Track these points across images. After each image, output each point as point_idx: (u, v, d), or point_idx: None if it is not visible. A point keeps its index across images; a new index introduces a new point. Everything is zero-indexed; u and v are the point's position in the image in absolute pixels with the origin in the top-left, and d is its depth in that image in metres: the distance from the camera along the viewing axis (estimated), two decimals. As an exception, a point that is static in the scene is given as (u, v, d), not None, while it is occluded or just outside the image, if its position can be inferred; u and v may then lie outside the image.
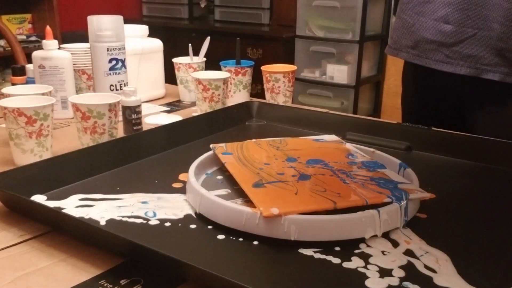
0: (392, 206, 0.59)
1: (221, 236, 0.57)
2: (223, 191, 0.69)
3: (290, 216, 0.55)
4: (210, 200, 0.60)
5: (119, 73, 1.00)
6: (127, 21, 1.05)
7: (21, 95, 0.86)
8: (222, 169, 0.74)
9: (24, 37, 2.73)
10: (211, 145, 0.78)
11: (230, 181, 0.70)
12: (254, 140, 0.82)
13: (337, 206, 0.58)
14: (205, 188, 0.63)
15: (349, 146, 0.80)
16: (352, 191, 0.62)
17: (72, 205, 0.64)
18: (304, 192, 0.61)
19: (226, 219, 0.59)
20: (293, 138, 0.83)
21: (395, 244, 0.56)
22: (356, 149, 0.79)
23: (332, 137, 0.85)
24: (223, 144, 0.78)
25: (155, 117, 1.07)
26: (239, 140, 0.80)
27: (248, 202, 0.61)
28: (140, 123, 0.92)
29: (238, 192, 0.66)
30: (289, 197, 0.60)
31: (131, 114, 0.90)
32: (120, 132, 0.89)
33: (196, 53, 1.23)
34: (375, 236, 0.57)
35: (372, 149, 0.79)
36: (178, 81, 1.24)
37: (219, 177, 0.74)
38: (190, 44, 1.23)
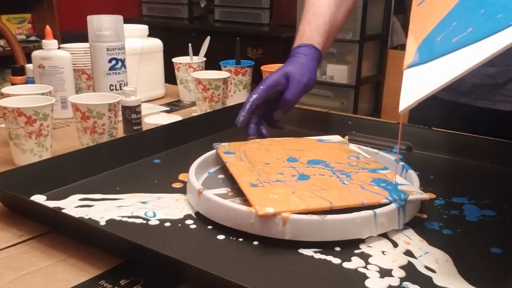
0: (389, 207, 0.58)
1: (221, 236, 0.57)
2: (223, 190, 0.69)
3: (285, 215, 0.55)
4: (207, 198, 0.60)
5: (119, 73, 1.00)
6: (127, 21, 1.05)
7: (21, 95, 0.86)
8: (224, 169, 0.74)
9: (23, 37, 2.73)
10: (214, 144, 0.79)
11: (231, 180, 0.70)
12: (257, 139, 0.82)
13: (333, 206, 0.58)
14: (206, 186, 0.64)
15: (352, 147, 0.79)
16: (350, 191, 0.61)
17: (72, 205, 0.64)
18: (301, 192, 0.61)
19: (222, 218, 0.59)
20: (295, 138, 0.82)
21: (395, 244, 0.56)
22: (360, 150, 0.78)
23: (337, 138, 0.84)
24: (226, 144, 0.78)
25: (155, 117, 1.07)
26: (239, 140, 0.80)
27: (246, 201, 0.61)
28: (140, 123, 0.92)
29: (238, 191, 0.66)
30: (286, 196, 0.60)
31: (131, 114, 0.90)
32: (120, 132, 0.89)
33: (196, 53, 1.23)
34: (375, 236, 0.57)
35: (376, 150, 0.78)
36: (178, 81, 1.24)
37: (221, 176, 0.74)
38: (190, 44, 1.23)
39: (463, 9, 0.52)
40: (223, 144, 0.78)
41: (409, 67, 0.53)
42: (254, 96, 0.84)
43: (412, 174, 0.69)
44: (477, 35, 0.46)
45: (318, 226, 0.55)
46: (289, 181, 0.64)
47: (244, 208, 0.57)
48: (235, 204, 0.59)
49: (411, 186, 0.65)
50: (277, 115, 0.91)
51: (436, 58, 0.50)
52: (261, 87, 0.84)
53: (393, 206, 0.58)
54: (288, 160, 0.72)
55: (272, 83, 0.84)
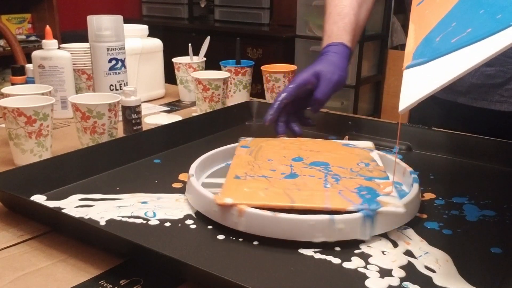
0: (352, 215, 0.56)
1: (221, 236, 0.57)
2: (223, 180, 0.69)
3: (241, 208, 0.56)
4: (191, 183, 0.64)
5: (119, 73, 1.00)
6: (127, 21, 1.05)
7: (21, 95, 0.86)
8: None
9: (23, 37, 2.73)
10: (240, 138, 0.81)
11: None
12: (285, 138, 0.83)
13: (294, 206, 0.57)
14: (214, 175, 0.68)
15: (374, 154, 0.75)
16: (322, 195, 0.60)
17: (72, 205, 0.64)
18: (274, 189, 0.61)
19: (197, 203, 0.63)
20: (321, 140, 0.81)
21: (395, 244, 0.56)
22: (378, 158, 0.74)
23: (366, 143, 0.80)
24: (249, 138, 0.80)
25: (155, 117, 1.07)
26: (237, 141, 0.80)
27: None
28: (140, 123, 0.92)
29: None
30: (256, 190, 0.60)
31: (131, 114, 0.90)
32: (120, 132, 0.89)
33: (196, 53, 1.23)
34: (375, 236, 0.57)
35: (398, 160, 0.74)
36: (178, 81, 1.24)
37: None
38: (190, 44, 1.23)
39: (462, 10, 0.51)
40: (246, 138, 0.80)
41: (408, 67, 0.53)
42: (283, 95, 0.83)
43: (415, 186, 0.65)
44: (477, 35, 0.46)
45: (270, 222, 0.56)
46: (274, 178, 0.65)
47: (210, 196, 0.60)
48: (206, 192, 0.61)
49: (393, 198, 0.60)
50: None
51: (435, 58, 0.50)
52: (291, 86, 0.83)
53: (357, 214, 0.56)
54: (293, 159, 0.72)
55: (302, 81, 0.84)
